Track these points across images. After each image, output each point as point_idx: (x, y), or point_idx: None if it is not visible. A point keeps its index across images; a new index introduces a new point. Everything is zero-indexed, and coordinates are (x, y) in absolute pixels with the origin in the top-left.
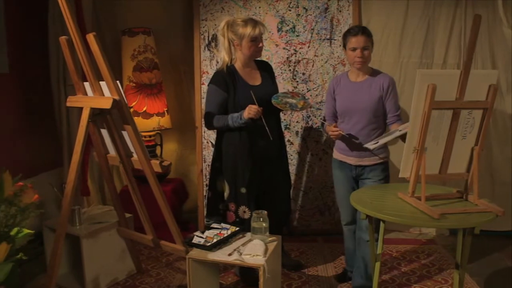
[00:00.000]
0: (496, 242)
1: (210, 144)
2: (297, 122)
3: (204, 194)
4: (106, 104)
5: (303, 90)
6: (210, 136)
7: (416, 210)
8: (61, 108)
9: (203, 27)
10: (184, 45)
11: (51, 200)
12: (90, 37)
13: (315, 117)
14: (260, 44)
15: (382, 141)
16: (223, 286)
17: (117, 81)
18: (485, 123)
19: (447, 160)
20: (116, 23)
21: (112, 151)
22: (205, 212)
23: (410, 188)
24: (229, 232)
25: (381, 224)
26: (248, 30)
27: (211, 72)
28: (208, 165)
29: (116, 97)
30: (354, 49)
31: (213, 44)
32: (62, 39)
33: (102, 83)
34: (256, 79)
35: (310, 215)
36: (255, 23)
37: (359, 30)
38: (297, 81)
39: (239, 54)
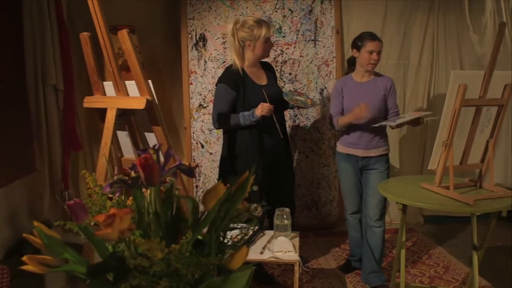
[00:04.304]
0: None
1: (199, 145)
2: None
3: (195, 194)
4: (138, 104)
5: (289, 90)
6: (199, 137)
7: (445, 198)
8: (39, 110)
9: (191, 26)
10: (166, 45)
11: (25, 212)
12: (123, 34)
13: (301, 115)
14: (271, 45)
15: (399, 120)
16: None
17: (149, 80)
18: (500, 118)
19: (468, 152)
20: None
21: (127, 154)
22: None
23: (437, 179)
24: (250, 231)
25: (402, 215)
26: (263, 31)
27: (199, 72)
28: (198, 166)
29: (149, 97)
30: (371, 52)
31: (200, 43)
32: (84, 35)
33: (128, 83)
34: (262, 79)
35: (299, 211)
36: (267, 23)
37: (376, 36)
38: (284, 81)
39: (249, 55)
